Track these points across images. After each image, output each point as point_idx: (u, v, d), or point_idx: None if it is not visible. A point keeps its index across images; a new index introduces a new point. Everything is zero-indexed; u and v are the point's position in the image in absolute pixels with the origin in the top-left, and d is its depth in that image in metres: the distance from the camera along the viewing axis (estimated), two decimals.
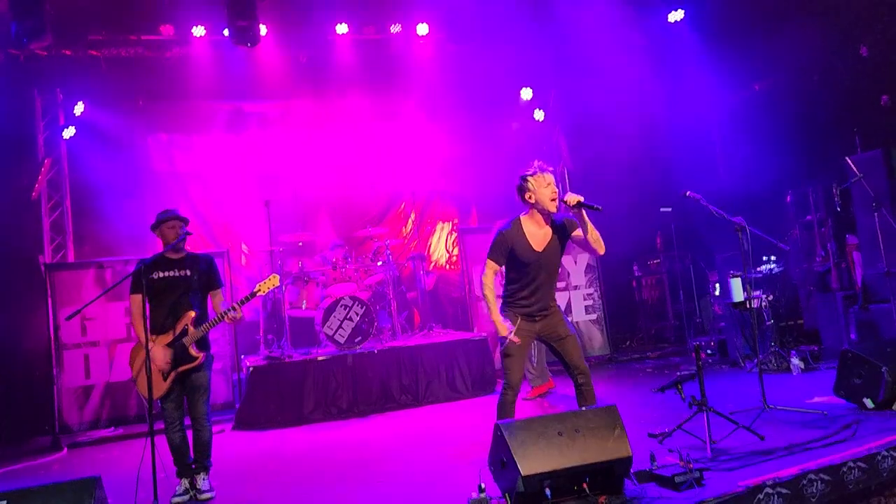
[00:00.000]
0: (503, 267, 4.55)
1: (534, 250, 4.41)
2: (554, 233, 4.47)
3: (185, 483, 4.81)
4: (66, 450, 7.05)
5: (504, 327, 4.42)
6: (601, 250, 4.40)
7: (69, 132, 8.61)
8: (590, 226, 4.33)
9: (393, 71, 9.46)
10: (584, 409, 4.05)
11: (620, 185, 9.10)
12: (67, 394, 7.61)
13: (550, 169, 4.47)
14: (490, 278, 4.51)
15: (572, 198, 4.26)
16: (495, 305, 4.50)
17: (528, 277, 4.46)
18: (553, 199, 4.35)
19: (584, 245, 4.45)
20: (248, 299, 4.82)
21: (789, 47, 8.11)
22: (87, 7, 8.03)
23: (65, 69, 8.39)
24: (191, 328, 4.75)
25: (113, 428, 7.61)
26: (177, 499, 4.69)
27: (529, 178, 4.40)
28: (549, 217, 4.46)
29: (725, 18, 8.50)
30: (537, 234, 4.44)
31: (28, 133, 8.46)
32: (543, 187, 4.36)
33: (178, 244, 4.83)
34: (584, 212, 4.28)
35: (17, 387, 7.85)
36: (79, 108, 8.64)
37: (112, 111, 8.80)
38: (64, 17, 7.65)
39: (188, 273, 4.86)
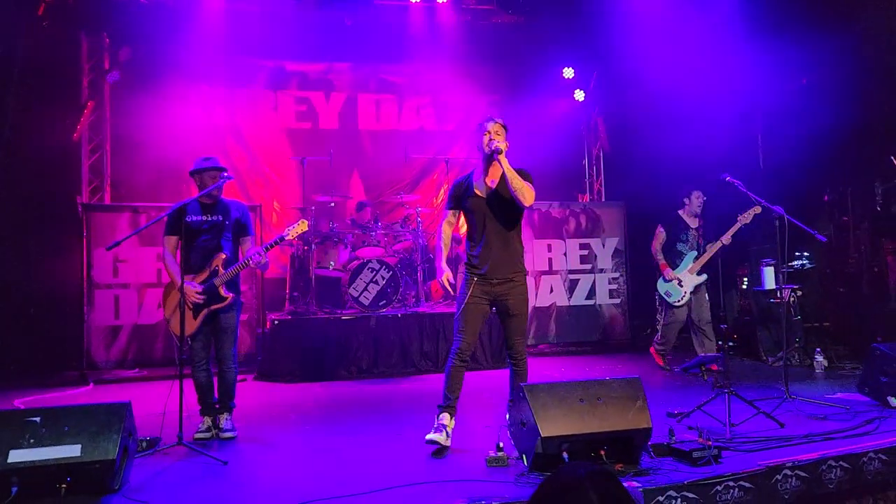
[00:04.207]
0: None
1: (477, 196, 4.46)
2: (502, 184, 4.43)
3: (208, 421, 4.93)
4: (91, 385, 7.23)
5: (444, 276, 4.47)
6: (525, 201, 4.32)
7: (113, 77, 8.72)
8: (510, 173, 4.29)
9: (435, 40, 9.39)
10: (608, 378, 4.06)
11: (657, 171, 8.99)
12: (96, 332, 7.79)
13: (496, 119, 4.47)
14: (445, 228, 4.57)
15: (493, 144, 4.33)
16: (442, 253, 4.59)
17: (477, 228, 4.45)
18: (487, 145, 4.40)
19: (513, 195, 4.35)
20: (276, 243, 4.94)
21: (842, 44, 7.92)
22: None
23: (112, 14, 8.48)
24: (221, 269, 4.86)
25: (138, 369, 7.78)
26: (200, 435, 4.82)
27: (477, 129, 4.51)
28: (492, 164, 4.43)
29: (779, 8, 8.32)
30: (485, 181, 4.49)
31: (73, 75, 8.59)
32: (482, 134, 4.44)
33: (214, 191, 4.91)
34: (502, 159, 4.29)
35: (49, 321, 8.05)
36: (124, 54, 8.74)
37: (156, 59, 8.85)
38: None
39: (220, 218, 4.98)
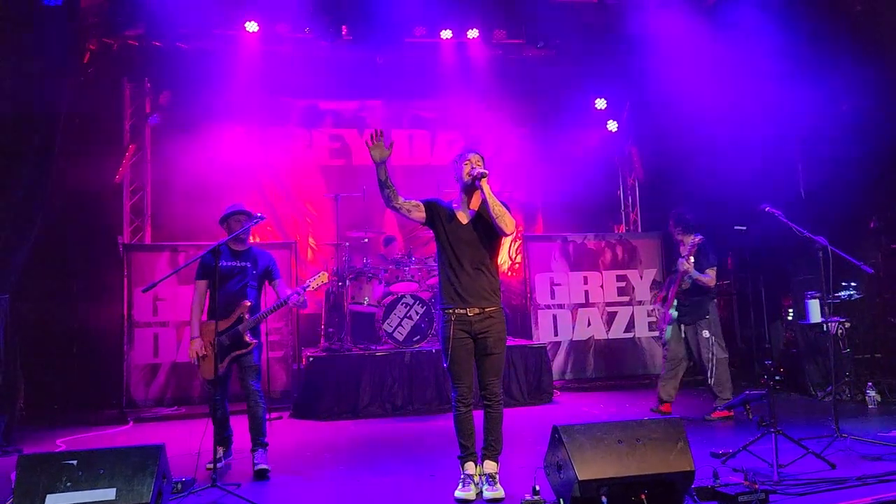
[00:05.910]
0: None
1: (459, 222, 4.40)
2: (482, 212, 4.41)
3: (221, 451, 5.02)
4: (131, 423, 7.31)
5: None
6: (506, 229, 4.26)
7: (154, 120, 8.98)
8: (492, 200, 4.24)
9: (466, 75, 9.46)
10: (647, 419, 3.94)
11: (694, 201, 8.80)
12: (136, 370, 7.89)
13: (477, 150, 4.51)
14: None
15: (476, 170, 4.29)
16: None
17: (453, 255, 4.36)
18: (468, 174, 4.37)
19: (494, 222, 4.29)
20: (298, 293, 5.20)
21: (884, 67, 7.74)
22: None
23: (154, 59, 8.72)
24: (246, 316, 5.06)
25: (176, 407, 7.85)
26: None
27: (455, 161, 4.51)
28: (472, 193, 4.43)
29: (814, 34, 8.18)
30: (465, 210, 4.46)
31: (115, 119, 8.86)
32: (462, 164, 4.43)
33: (241, 235, 5.16)
34: (484, 185, 4.25)
35: (91, 360, 8.20)
36: (164, 98, 8.99)
37: (195, 102, 9.08)
38: (156, 8, 7.99)
39: (248, 265, 5.23)
